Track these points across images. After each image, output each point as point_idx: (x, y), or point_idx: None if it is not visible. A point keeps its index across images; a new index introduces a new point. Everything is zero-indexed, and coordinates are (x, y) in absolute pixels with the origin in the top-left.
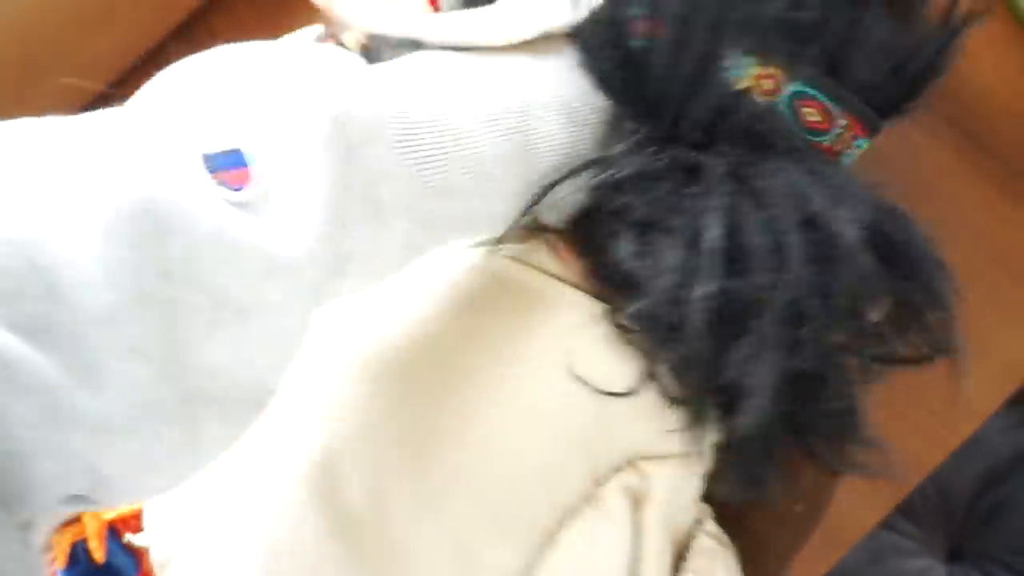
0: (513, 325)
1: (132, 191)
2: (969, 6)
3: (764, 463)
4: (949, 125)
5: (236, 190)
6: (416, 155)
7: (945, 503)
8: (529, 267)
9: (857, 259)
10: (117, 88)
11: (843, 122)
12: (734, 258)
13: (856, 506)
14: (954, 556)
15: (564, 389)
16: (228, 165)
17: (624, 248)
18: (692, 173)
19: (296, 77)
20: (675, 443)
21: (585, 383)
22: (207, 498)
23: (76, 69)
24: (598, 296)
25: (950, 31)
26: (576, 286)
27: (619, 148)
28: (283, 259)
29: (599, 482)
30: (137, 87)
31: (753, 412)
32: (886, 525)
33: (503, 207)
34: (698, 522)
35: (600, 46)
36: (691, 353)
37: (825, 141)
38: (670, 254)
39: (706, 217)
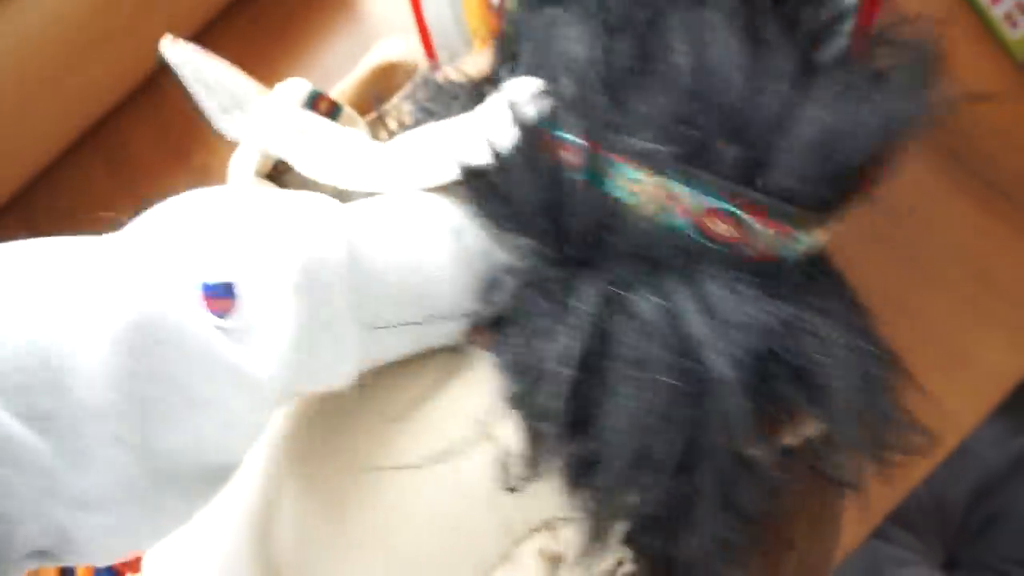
0: (436, 385)
1: (139, 308)
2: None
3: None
4: (925, 141)
5: (221, 316)
6: (378, 298)
7: (941, 513)
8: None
9: (727, 398)
10: (113, 114)
11: (767, 230)
12: (587, 391)
13: (843, 521)
14: (951, 565)
15: (479, 451)
16: (220, 294)
17: (504, 348)
18: (568, 293)
19: (276, 219)
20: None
21: (497, 446)
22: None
23: (73, 95)
24: None
25: (913, 101)
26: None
27: (509, 266)
28: (252, 378)
29: (516, 542)
30: (133, 114)
31: (592, 539)
32: (883, 536)
33: (454, 328)
34: (619, 563)
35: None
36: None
37: (745, 250)
38: (530, 365)
39: (565, 342)
